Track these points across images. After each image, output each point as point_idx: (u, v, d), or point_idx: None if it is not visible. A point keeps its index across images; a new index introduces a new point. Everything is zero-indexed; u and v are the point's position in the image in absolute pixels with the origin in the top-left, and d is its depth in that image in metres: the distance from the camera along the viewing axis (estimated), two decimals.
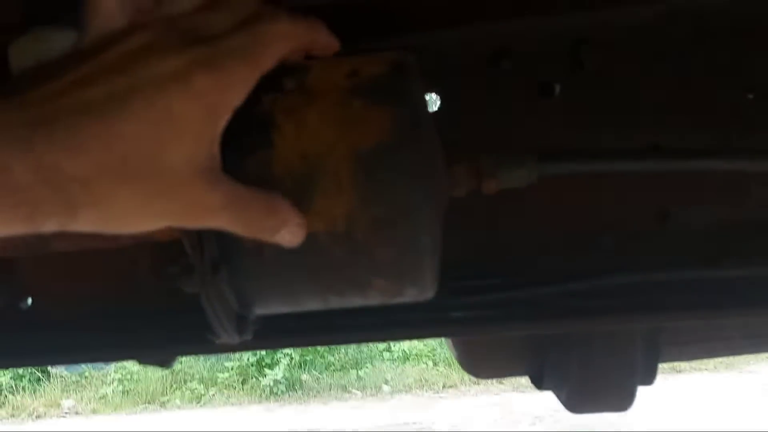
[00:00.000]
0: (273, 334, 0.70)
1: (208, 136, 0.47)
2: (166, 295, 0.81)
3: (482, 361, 0.98)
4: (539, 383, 0.95)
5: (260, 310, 0.60)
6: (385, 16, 0.73)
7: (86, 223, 0.44)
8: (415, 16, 0.74)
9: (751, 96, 0.75)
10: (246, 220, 0.50)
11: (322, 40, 0.56)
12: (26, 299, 0.82)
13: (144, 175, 0.44)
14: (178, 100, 0.44)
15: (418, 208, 0.52)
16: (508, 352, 0.94)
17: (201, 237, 0.52)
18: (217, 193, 0.48)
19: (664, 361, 0.90)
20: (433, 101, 0.79)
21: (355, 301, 0.59)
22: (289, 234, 0.52)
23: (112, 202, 0.44)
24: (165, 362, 0.81)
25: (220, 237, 0.53)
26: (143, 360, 0.80)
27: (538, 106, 0.77)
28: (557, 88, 0.77)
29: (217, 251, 0.53)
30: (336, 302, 0.58)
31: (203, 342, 0.75)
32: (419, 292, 0.58)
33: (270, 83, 0.56)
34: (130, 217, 0.45)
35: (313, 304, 0.59)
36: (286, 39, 0.52)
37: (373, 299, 0.58)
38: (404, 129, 0.52)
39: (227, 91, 0.47)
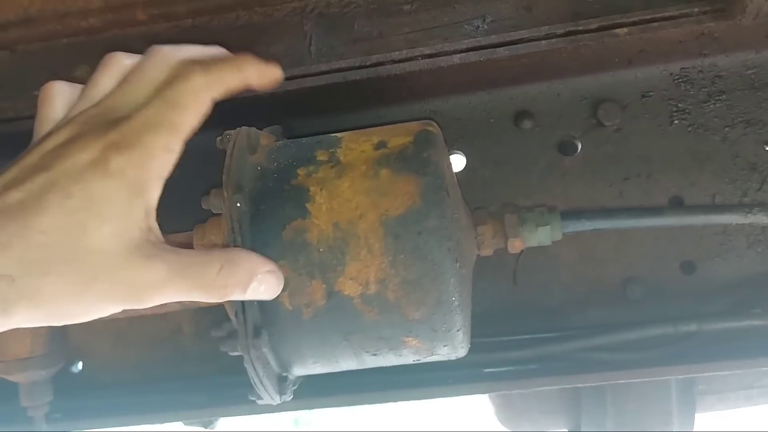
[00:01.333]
0: (310, 394, 0.72)
1: (138, 210, 0.47)
2: (209, 359, 0.84)
3: (520, 416, 0.99)
4: None
5: (299, 371, 0.62)
6: (412, 83, 0.77)
7: (23, 318, 0.44)
8: (440, 82, 0.78)
9: None
10: (204, 285, 0.49)
11: (254, 73, 0.54)
12: (77, 363, 0.86)
13: (69, 263, 0.44)
14: (97, 184, 0.45)
15: (447, 269, 0.55)
16: (545, 406, 0.95)
17: (244, 302, 0.55)
18: (157, 266, 0.47)
19: (703, 411, 0.89)
20: (459, 161, 0.83)
21: (390, 360, 0.61)
22: (264, 285, 0.51)
23: (42, 295, 0.44)
24: (208, 423, 0.84)
25: (262, 302, 0.56)
26: (188, 422, 0.83)
27: (560, 163, 0.80)
28: (579, 146, 0.80)
29: (258, 316, 0.56)
30: (371, 361, 0.61)
31: (244, 403, 0.78)
32: (451, 350, 0.60)
33: (304, 156, 0.60)
34: (68, 306, 0.46)
35: (349, 364, 0.61)
36: (204, 93, 0.50)
37: (407, 358, 0.61)
38: (429, 195, 0.56)
39: (148, 164, 0.47)
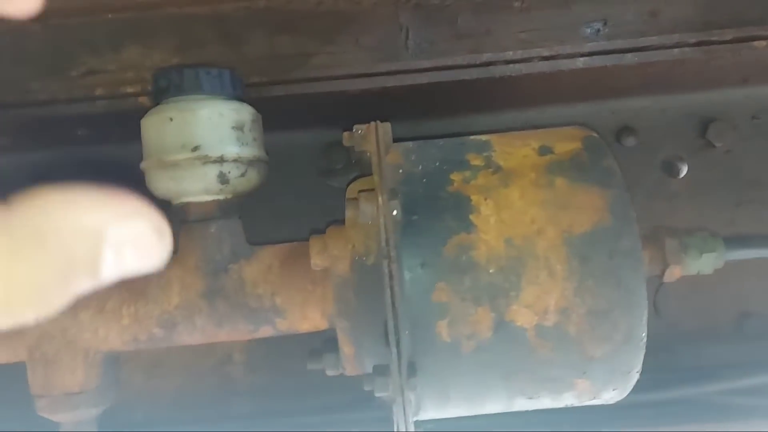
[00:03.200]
0: None
1: None
2: (263, 394, 0.72)
3: None
4: None
5: (430, 415, 0.52)
6: (514, 89, 0.69)
7: None
8: (543, 90, 0.70)
9: None
10: None
11: None
12: None
13: None
14: None
15: (641, 299, 0.47)
16: None
17: (397, 330, 0.44)
18: None
19: None
20: None
21: (542, 404, 0.52)
22: None
23: None
24: None
25: (415, 331, 0.46)
26: None
27: (666, 184, 0.74)
28: (685, 167, 0.74)
29: (410, 347, 0.46)
30: (521, 405, 0.52)
31: None
32: (618, 394, 0.51)
33: (453, 159, 0.51)
34: None
35: (493, 408, 0.52)
36: None
37: (561, 402, 0.52)
38: (619, 211, 0.47)
39: None
